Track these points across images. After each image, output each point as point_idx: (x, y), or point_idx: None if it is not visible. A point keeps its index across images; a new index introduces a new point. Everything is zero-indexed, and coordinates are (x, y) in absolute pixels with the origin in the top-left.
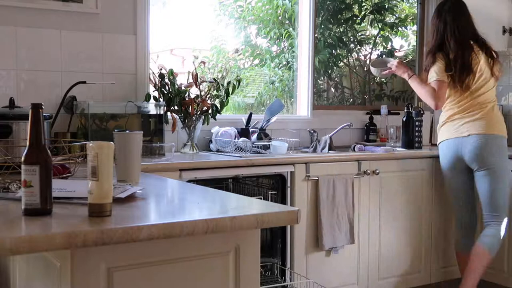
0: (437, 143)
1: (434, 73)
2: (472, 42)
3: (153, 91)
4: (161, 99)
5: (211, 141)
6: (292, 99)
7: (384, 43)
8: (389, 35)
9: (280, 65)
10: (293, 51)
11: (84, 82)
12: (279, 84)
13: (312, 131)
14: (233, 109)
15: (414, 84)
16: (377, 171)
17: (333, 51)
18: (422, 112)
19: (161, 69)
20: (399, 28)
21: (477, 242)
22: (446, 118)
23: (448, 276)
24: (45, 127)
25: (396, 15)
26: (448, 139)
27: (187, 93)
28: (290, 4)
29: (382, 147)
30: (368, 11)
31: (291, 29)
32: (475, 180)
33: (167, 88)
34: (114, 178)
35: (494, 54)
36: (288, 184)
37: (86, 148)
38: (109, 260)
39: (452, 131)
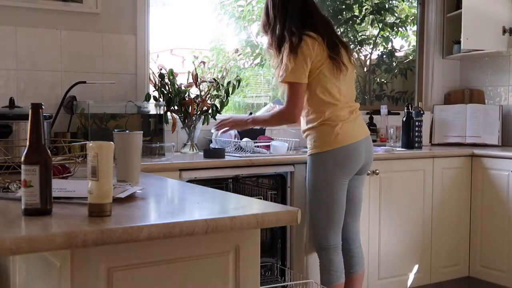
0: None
1: None
2: None
3: (153, 91)
4: (161, 99)
5: (211, 141)
6: None
7: (384, 43)
8: (389, 35)
9: None
10: None
11: (84, 82)
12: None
13: None
14: (233, 109)
15: None
16: (377, 171)
17: None
18: (422, 112)
19: (161, 69)
20: (399, 28)
21: None
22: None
23: (448, 276)
24: (45, 127)
25: (396, 15)
26: None
27: (187, 93)
28: None
29: (382, 147)
30: (368, 11)
31: None
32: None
33: (167, 88)
34: (114, 178)
35: None
36: (288, 184)
37: (86, 148)
38: (109, 260)
39: None
